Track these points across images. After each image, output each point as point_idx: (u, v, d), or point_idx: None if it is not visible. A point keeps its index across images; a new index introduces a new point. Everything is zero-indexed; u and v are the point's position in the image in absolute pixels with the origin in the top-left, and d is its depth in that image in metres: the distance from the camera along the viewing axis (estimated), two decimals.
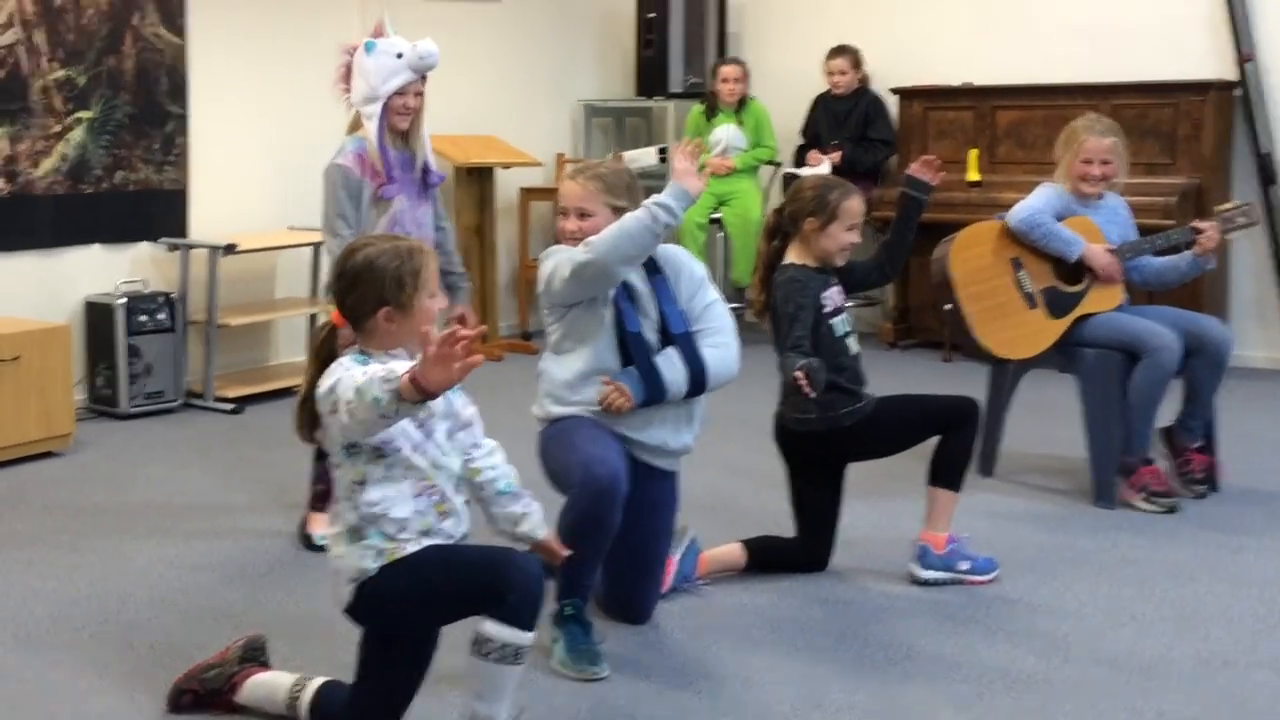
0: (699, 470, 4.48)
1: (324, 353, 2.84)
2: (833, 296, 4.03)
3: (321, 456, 4.40)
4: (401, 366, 2.59)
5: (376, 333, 2.83)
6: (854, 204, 4.02)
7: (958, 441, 4.03)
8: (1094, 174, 4.89)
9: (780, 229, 4.11)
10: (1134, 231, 5.05)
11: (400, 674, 2.96)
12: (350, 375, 2.65)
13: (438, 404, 2.82)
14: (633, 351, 3.62)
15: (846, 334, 4.05)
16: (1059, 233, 4.86)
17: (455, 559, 2.84)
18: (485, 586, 2.78)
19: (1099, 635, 3.69)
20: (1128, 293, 5.01)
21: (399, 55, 4.35)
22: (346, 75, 4.45)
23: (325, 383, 2.73)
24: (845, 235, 4.01)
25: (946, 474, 4.04)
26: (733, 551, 4.11)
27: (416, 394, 2.51)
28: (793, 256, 4.05)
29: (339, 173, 4.31)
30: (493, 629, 2.77)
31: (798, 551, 4.14)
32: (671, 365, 3.64)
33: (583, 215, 3.64)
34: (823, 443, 4.02)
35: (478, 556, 2.85)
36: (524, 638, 2.79)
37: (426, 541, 2.84)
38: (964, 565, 4.06)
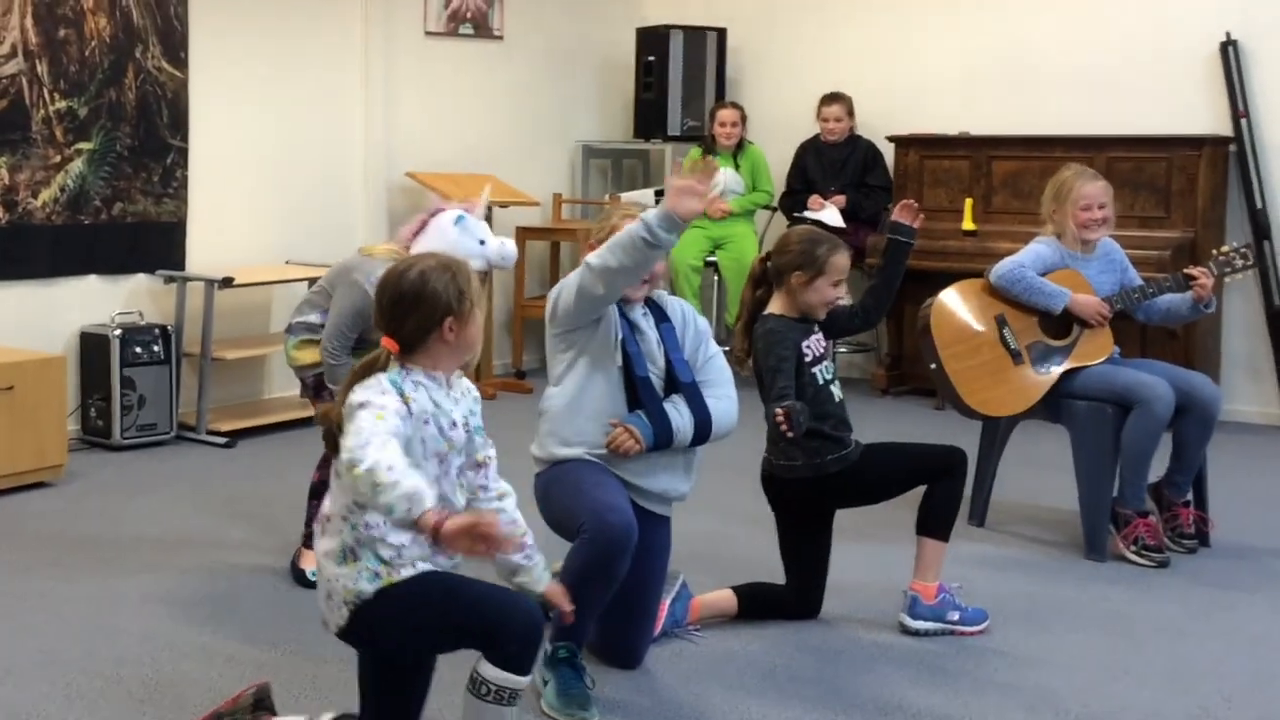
0: (692, 515, 4.48)
1: (366, 375, 2.82)
2: (814, 345, 4.04)
3: (316, 494, 4.41)
4: (425, 494, 2.60)
5: (431, 350, 2.84)
6: (841, 259, 4.01)
7: (945, 491, 4.03)
8: (1096, 218, 4.91)
9: (765, 279, 4.13)
10: (1131, 273, 5.07)
11: (402, 697, 2.96)
12: (378, 437, 2.64)
13: (458, 438, 2.85)
14: (643, 396, 3.63)
15: (829, 381, 4.05)
16: (1041, 286, 4.88)
17: (459, 593, 2.83)
18: (487, 628, 2.78)
19: (1090, 689, 3.68)
20: (1118, 345, 5.02)
21: (481, 242, 4.35)
22: (420, 229, 4.41)
23: (356, 397, 2.72)
24: (830, 290, 4.00)
25: (934, 523, 4.04)
26: (724, 597, 4.11)
27: (430, 538, 2.59)
28: (775, 307, 4.05)
29: (363, 298, 4.17)
30: (491, 672, 2.77)
31: (789, 599, 4.13)
32: (679, 412, 3.66)
33: None
34: (810, 490, 4.03)
35: (481, 595, 2.83)
36: (521, 681, 2.80)
37: (422, 566, 2.83)
38: (954, 615, 4.06)
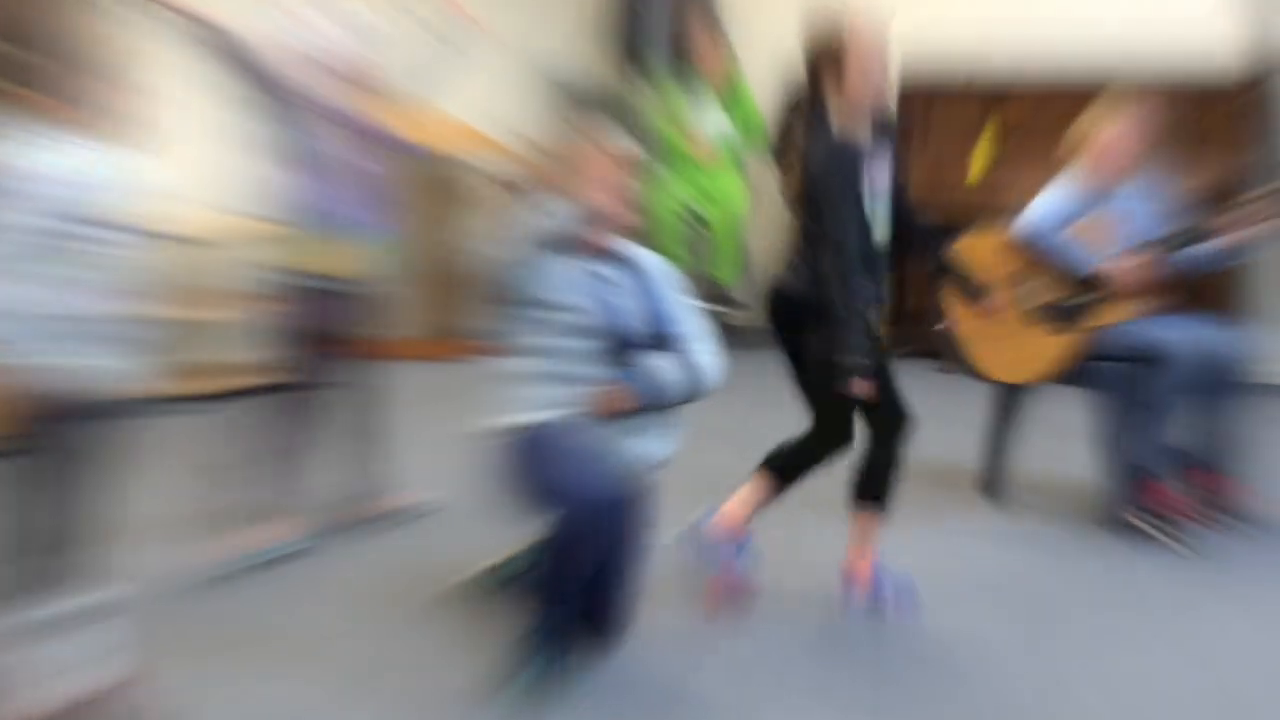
0: (682, 479, 4.23)
1: None
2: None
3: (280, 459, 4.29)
4: None
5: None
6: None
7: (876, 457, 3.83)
8: (1113, 159, 4.60)
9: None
10: (1162, 213, 4.76)
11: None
12: None
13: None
14: (629, 351, 3.46)
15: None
16: (1065, 250, 4.61)
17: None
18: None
19: (1103, 666, 3.53)
20: (1143, 299, 4.71)
21: None
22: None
23: None
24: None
25: (864, 491, 3.88)
26: (755, 487, 3.90)
27: None
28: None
29: None
30: None
31: (817, 442, 3.84)
32: (666, 368, 3.49)
33: None
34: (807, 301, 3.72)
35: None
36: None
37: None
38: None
